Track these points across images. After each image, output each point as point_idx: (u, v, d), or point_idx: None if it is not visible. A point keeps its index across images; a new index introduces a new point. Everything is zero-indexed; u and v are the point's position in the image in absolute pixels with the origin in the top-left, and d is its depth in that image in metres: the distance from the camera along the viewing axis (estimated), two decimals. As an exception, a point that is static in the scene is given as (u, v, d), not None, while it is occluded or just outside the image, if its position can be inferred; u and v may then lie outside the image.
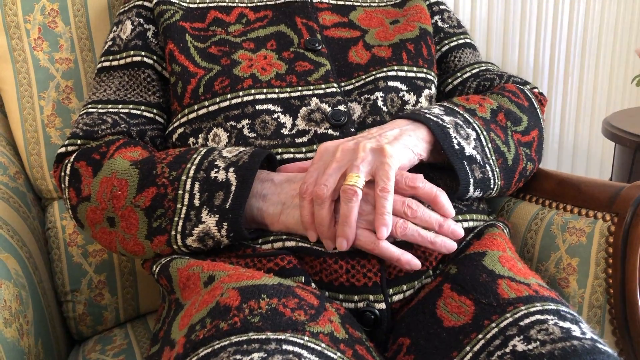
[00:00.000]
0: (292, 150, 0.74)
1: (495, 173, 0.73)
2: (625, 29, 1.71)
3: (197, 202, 0.65)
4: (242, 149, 0.69)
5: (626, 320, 0.74)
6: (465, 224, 0.73)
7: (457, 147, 0.68)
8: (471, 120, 0.73)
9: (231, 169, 0.65)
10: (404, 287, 0.67)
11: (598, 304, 0.76)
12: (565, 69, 1.67)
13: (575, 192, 0.82)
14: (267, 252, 0.66)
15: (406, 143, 0.66)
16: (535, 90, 0.87)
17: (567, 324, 0.55)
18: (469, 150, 0.70)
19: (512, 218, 0.88)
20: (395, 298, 0.66)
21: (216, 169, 0.66)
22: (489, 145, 0.73)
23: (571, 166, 1.75)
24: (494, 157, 0.73)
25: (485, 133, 0.73)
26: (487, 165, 0.71)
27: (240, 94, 0.75)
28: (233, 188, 0.64)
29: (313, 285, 0.65)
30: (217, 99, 0.75)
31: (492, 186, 0.73)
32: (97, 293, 0.94)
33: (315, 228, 0.64)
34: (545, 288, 0.63)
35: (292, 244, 0.66)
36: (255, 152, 0.67)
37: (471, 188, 0.70)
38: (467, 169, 0.69)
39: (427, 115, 0.71)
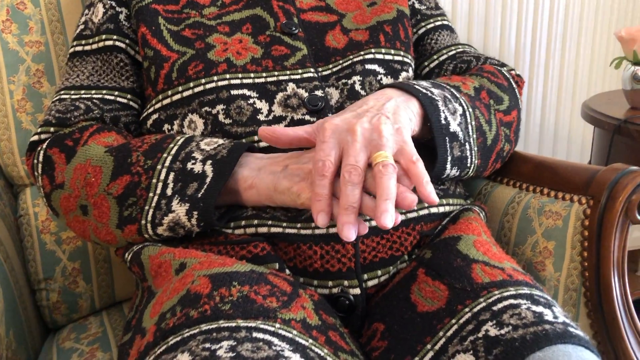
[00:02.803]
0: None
1: (473, 152, 0.72)
2: (606, 12, 1.71)
3: (169, 192, 0.64)
4: (220, 141, 0.67)
5: (600, 302, 0.74)
6: (442, 209, 0.73)
7: (443, 122, 0.67)
8: (458, 95, 0.72)
9: (209, 162, 0.64)
10: (379, 272, 0.66)
11: (574, 287, 0.77)
12: (546, 52, 1.67)
13: (551, 175, 0.82)
14: (240, 239, 0.65)
15: (406, 119, 0.64)
16: (513, 72, 0.87)
17: (539, 308, 0.55)
18: (454, 126, 0.68)
19: (489, 202, 0.88)
20: (370, 283, 0.66)
21: (193, 161, 0.65)
22: (472, 122, 0.72)
23: (552, 149, 1.76)
24: (474, 136, 0.72)
25: (470, 110, 0.72)
26: (467, 143, 0.71)
27: (215, 78, 0.73)
28: (208, 180, 0.63)
29: (287, 271, 0.64)
30: (191, 84, 0.74)
31: (468, 165, 0.72)
32: (72, 281, 0.93)
33: (329, 210, 0.58)
34: (519, 272, 0.63)
35: (264, 229, 0.65)
36: (235, 147, 0.65)
37: (448, 166, 0.68)
38: (448, 146, 0.68)
39: (417, 87, 0.69)
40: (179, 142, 0.67)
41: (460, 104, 0.71)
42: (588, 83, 1.75)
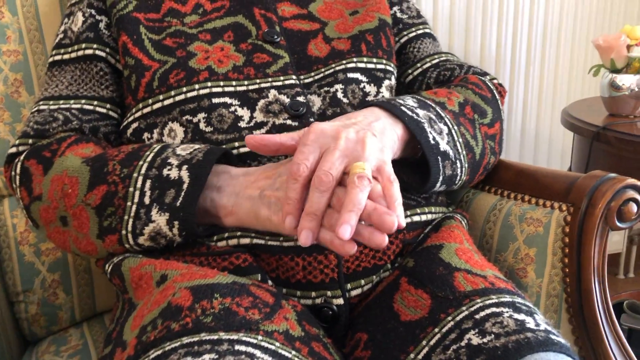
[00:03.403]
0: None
1: (464, 169, 0.73)
2: (584, 20, 1.73)
3: (147, 200, 0.63)
4: (196, 146, 0.67)
5: (582, 308, 0.75)
6: (424, 217, 0.73)
7: (432, 142, 0.67)
8: (443, 114, 0.72)
9: (184, 167, 0.63)
10: (362, 281, 0.66)
11: (555, 293, 0.77)
12: (526, 59, 1.68)
13: (532, 182, 0.83)
14: (222, 250, 0.65)
15: (390, 141, 0.64)
16: (495, 81, 0.88)
17: (521, 316, 0.55)
18: (443, 145, 0.68)
19: (471, 209, 0.88)
20: (354, 293, 0.66)
21: (169, 167, 0.64)
22: (460, 140, 0.72)
23: (533, 155, 1.77)
24: (464, 152, 0.72)
25: (456, 127, 0.72)
26: (457, 161, 0.71)
27: (196, 87, 0.73)
28: (185, 186, 0.62)
29: (270, 282, 0.64)
30: (172, 93, 0.73)
31: (456, 182, 0.73)
32: (51, 292, 0.92)
33: (297, 214, 0.57)
34: (501, 280, 0.64)
35: (246, 241, 0.65)
36: (210, 150, 0.65)
37: (438, 184, 0.69)
38: (440, 165, 0.68)
39: (403, 108, 0.68)
40: (155, 150, 0.67)
41: (445, 124, 0.71)
42: (567, 90, 1.77)
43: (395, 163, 0.69)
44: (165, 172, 0.64)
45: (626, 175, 0.75)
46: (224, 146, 0.70)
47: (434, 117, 0.70)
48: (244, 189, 0.63)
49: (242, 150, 0.71)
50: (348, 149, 0.58)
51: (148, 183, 0.64)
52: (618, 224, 0.74)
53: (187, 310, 0.53)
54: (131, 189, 0.64)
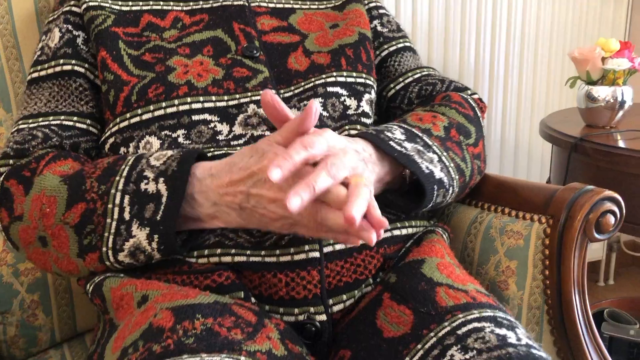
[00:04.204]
0: (225, 149, 0.72)
1: (453, 194, 0.74)
2: (560, 32, 1.76)
3: (127, 216, 0.63)
4: (169, 154, 0.65)
5: (563, 320, 0.76)
6: (405, 231, 0.74)
7: (427, 171, 0.67)
8: (430, 142, 0.72)
9: (161, 180, 0.62)
10: (344, 296, 0.66)
11: (536, 305, 0.78)
12: (505, 70, 1.71)
13: (512, 195, 0.84)
14: (204, 268, 0.64)
15: (374, 182, 0.65)
16: (475, 96, 0.88)
17: (503, 331, 0.56)
18: (438, 173, 0.69)
19: (453, 222, 0.89)
20: (336, 308, 0.66)
21: (146, 180, 0.63)
22: (451, 164, 0.72)
23: (513, 165, 1.79)
24: (457, 177, 0.73)
25: (445, 153, 0.72)
26: (450, 187, 0.71)
27: (176, 102, 0.73)
28: (164, 199, 0.61)
29: (253, 299, 0.64)
30: (151, 107, 0.73)
31: (442, 204, 0.74)
32: (30, 314, 0.90)
33: (287, 173, 0.53)
34: (482, 294, 0.64)
35: (227, 259, 0.65)
36: (184, 158, 0.64)
37: (424, 209, 0.70)
38: (435, 194, 0.68)
39: (392, 143, 0.68)
40: (130, 162, 0.66)
41: (434, 152, 0.71)
42: (546, 101, 1.80)
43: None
44: (142, 186, 0.63)
45: (604, 186, 0.76)
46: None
47: (421, 149, 0.70)
48: (219, 197, 0.62)
49: (216, 153, 0.71)
50: (352, 163, 0.58)
51: (127, 198, 0.63)
52: (596, 235, 0.75)
53: (168, 332, 0.52)
54: (110, 206, 0.63)
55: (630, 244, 2.10)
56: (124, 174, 0.65)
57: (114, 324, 0.62)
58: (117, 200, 0.63)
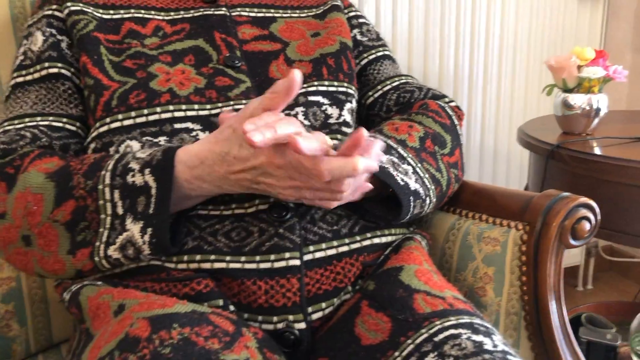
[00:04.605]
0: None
1: (431, 204, 0.74)
2: (537, 41, 1.79)
3: (120, 211, 0.62)
4: (155, 147, 0.66)
5: (540, 326, 0.77)
6: (384, 239, 0.74)
7: (402, 183, 0.68)
8: (405, 154, 0.73)
9: (147, 170, 0.62)
10: (323, 304, 0.66)
11: (514, 311, 0.79)
12: (483, 78, 1.73)
13: (489, 202, 0.84)
14: (183, 276, 0.64)
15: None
16: (453, 104, 0.89)
17: (479, 337, 0.56)
18: (413, 184, 0.69)
19: (431, 228, 0.89)
20: (315, 316, 0.66)
21: (132, 173, 0.63)
22: (426, 175, 0.73)
23: (492, 172, 1.81)
24: (432, 187, 0.74)
25: (419, 165, 0.73)
26: (427, 197, 0.72)
27: (158, 109, 0.72)
28: (153, 191, 0.61)
29: (232, 307, 0.64)
30: (133, 114, 0.72)
31: (421, 215, 0.74)
32: (4, 324, 0.88)
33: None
34: (460, 300, 0.64)
35: (207, 265, 0.64)
36: (169, 148, 0.64)
37: (402, 221, 0.70)
38: (412, 205, 0.69)
39: None
40: (115, 157, 0.66)
41: (409, 163, 0.72)
42: (524, 108, 1.82)
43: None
44: (129, 179, 0.63)
45: (581, 192, 0.78)
46: None
47: (396, 160, 0.71)
48: (222, 180, 0.63)
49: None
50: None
51: (116, 193, 0.63)
52: (572, 242, 0.76)
53: (145, 342, 0.52)
54: (101, 202, 0.63)
55: (608, 249, 2.13)
56: (110, 167, 0.64)
57: (90, 333, 0.62)
58: (108, 196, 0.63)
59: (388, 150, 0.72)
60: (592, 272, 2.11)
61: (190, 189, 0.64)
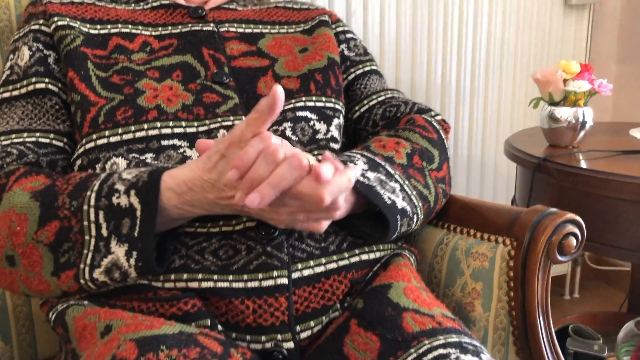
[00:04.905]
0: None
1: (419, 221, 0.74)
2: (524, 53, 1.81)
3: (105, 232, 0.62)
4: (142, 168, 0.66)
5: (528, 340, 0.77)
6: (372, 255, 0.74)
7: (388, 202, 0.68)
8: (392, 171, 0.73)
9: (132, 192, 0.62)
10: (312, 323, 0.66)
11: (502, 326, 0.79)
12: (470, 90, 1.74)
13: (477, 216, 0.85)
14: (170, 296, 0.63)
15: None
16: (439, 117, 0.90)
17: (468, 357, 0.56)
18: (400, 202, 0.69)
19: (420, 243, 0.90)
20: (303, 335, 0.66)
21: (117, 194, 0.62)
22: (414, 192, 0.73)
23: (480, 184, 1.82)
24: (420, 204, 0.74)
25: (407, 182, 0.73)
26: (415, 215, 0.72)
27: (145, 126, 0.72)
28: (138, 213, 0.61)
29: (220, 327, 0.63)
30: (120, 130, 0.72)
31: (409, 232, 0.74)
32: (-11, 342, 0.87)
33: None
34: (449, 318, 0.65)
35: (194, 285, 0.64)
36: (155, 170, 0.64)
37: (390, 239, 0.71)
38: (399, 224, 0.69)
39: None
40: (101, 177, 0.65)
41: (396, 181, 0.72)
42: (511, 119, 1.84)
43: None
44: (115, 200, 0.62)
45: (567, 206, 0.78)
46: None
47: (384, 178, 0.70)
48: (213, 205, 0.63)
49: None
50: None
51: (101, 214, 0.62)
52: (559, 257, 0.76)
53: (132, 364, 0.51)
54: (85, 223, 0.62)
55: (594, 257, 2.15)
56: (95, 188, 0.64)
57: (76, 354, 0.61)
58: (92, 217, 0.62)
59: (375, 167, 0.72)
60: (578, 281, 2.12)
61: (179, 214, 0.64)
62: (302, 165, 0.56)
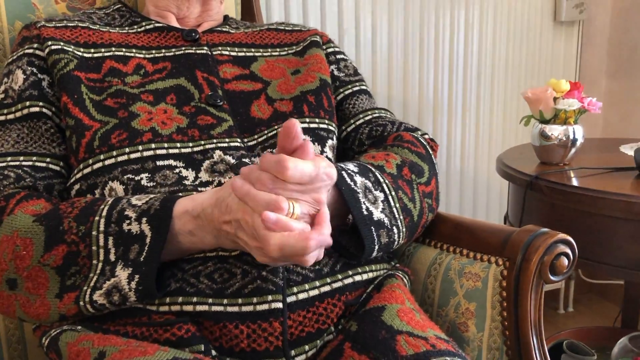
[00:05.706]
0: (194, 193, 0.71)
1: (401, 234, 0.74)
2: (515, 70, 1.83)
3: (112, 257, 0.62)
4: (151, 195, 0.66)
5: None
6: (365, 276, 0.74)
7: (365, 212, 0.68)
8: (381, 179, 0.73)
9: (144, 219, 0.62)
10: (306, 347, 0.66)
11: (496, 346, 0.79)
12: (462, 107, 1.75)
13: (469, 236, 0.85)
14: (163, 321, 0.63)
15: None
16: (427, 136, 0.90)
17: (462, 379, 0.56)
18: (377, 214, 0.70)
19: (413, 263, 0.90)
20: None
21: (128, 221, 0.63)
22: (397, 205, 0.73)
23: (472, 199, 1.83)
24: (401, 217, 0.74)
25: (393, 193, 0.74)
26: (394, 227, 0.72)
27: (140, 148, 0.72)
28: (148, 240, 0.62)
29: (214, 352, 0.63)
30: (114, 153, 0.72)
31: (394, 246, 0.74)
32: (-19, 367, 0.87)
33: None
34: (442, 340, 0.65)
35: (189, 308, 0.64)
36: (167, 198, 0.65)
37: (374, 252, 0.70)
38: (374, 235, 0.69)
39: (343, 173, 0.69)
40: (109, 202, 0.65)
41: (382, 190, 0.72)
42: (502, 137, 1.85)
43: (334, 230, 0.70)
44: (125, 227, 0.63)
45: (559, 223, 0.79)
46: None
47: (370, 186, 0.71)
48: (217, 230, 0.63)
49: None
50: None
51: (111, 240, 0.63)
52: (551, 277, 0.77)
53: (125, 392, 0.51)
54: (94, 248, 0.63)
55: (588, 271, 2.16)
56: (104, 213, 0.64)
57: (70, 380, 0.61)
58: (102, 242, 0.63)
59: (365, 173, 0.72)
60: (572, 295, 2.13)
61: (191, 242, 0.64)
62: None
